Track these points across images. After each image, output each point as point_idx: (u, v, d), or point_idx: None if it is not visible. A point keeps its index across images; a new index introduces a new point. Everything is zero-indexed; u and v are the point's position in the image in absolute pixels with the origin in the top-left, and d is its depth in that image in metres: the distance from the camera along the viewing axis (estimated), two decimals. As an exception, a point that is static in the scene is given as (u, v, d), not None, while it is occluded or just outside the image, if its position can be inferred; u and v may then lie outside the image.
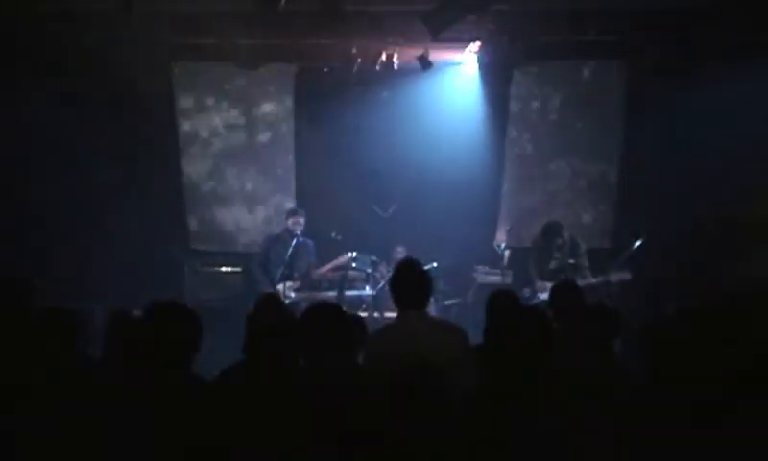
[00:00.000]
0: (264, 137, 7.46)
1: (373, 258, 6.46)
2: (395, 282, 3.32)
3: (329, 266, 6.38)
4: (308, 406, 2.42)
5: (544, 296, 6.04)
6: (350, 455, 2.24)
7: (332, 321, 2.76)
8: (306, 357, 2.76)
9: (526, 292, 6.18)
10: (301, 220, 6.40)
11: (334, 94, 7.02)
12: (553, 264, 6.17)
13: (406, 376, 2.38)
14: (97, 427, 2.34)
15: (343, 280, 6.24)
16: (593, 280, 5.89)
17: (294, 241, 6.36)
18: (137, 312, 3.15)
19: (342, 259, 6.29)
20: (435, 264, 5.96)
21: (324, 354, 2.69)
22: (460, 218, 6.92)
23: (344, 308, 3.11)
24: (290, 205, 7.09)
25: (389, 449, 2.17)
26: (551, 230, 6.22)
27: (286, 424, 2.39)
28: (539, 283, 6.14)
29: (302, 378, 2.69)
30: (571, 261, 6.09)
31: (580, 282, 5.70)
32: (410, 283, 3.27)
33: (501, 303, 3.55)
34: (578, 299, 3.89)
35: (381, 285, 6.20)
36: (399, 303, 3.25)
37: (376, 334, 3.38)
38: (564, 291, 4.01)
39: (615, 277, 5.86)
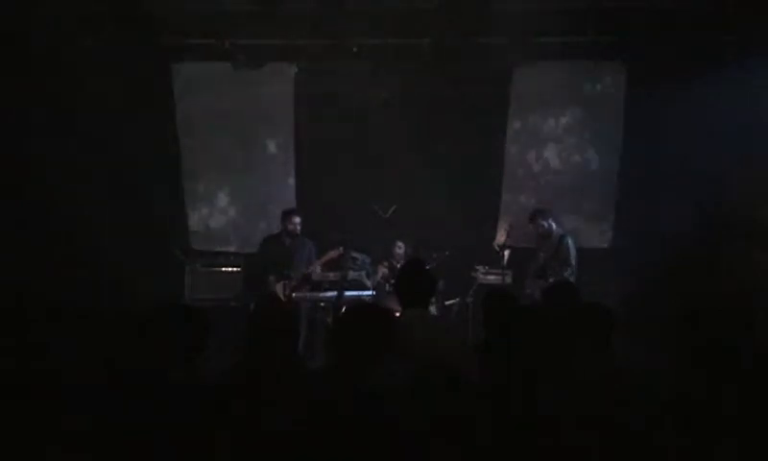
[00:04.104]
0: (264, 137, 7.45)
1: (371, 257, 6.47)
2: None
3: (322, 261, 6.36)
4: (308, 405, 2.42)
5: (533, 293, 6.07)
6: (351, 452, 2.24)
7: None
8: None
9: (526, 290, 6.21)
10: (299, 220, 6.40)
11: (334, 94, 7.02)
12: (541, 259, 6.19)
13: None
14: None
15: (343, 280, 6.24)
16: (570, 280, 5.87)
17: (292, 241, 6.37)
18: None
19: (333, 254, 6.29)
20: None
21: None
22: (460, 218, 6.92)
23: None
24: (290, 204, 7.09)
25: (388, 446, 2.17)
26: (534, 215, 6.27)
27: (286, 422, 2.39)
28: (528, 282, 6.19)
29: (302, 377, 2.69)
30: (555, 260, 6.11)
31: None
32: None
33: (498, 304, 3.56)
34: (574, 297, 3.89)
35: (378, 284, 6.21)
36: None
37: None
38: (561, 289, 4.02)
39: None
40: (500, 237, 6.87)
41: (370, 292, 6.20)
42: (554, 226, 6.28)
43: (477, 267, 6.70)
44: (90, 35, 6.25)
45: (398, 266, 6.26)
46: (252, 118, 7.40)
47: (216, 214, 7.61)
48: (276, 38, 6.69)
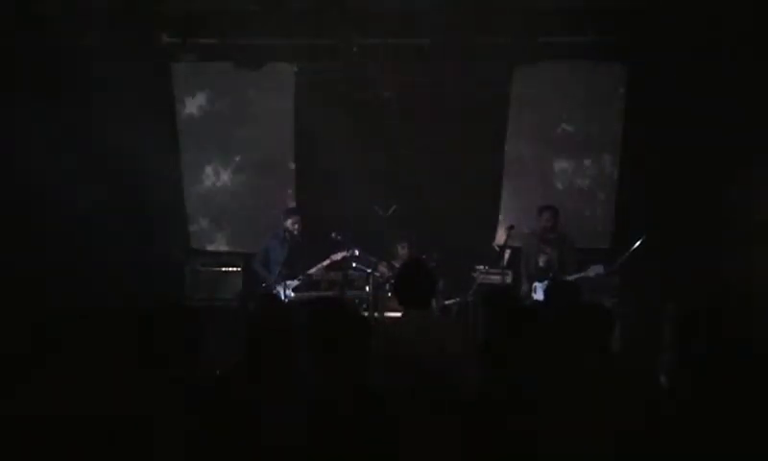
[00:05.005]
0: (264, 137, 7.44)
1: (373, 259, 6.46)
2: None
3: (325, 263, 6.36)
4: (308, 405, 2.43)
5: (536, 295, 6.06)
6: (351, 452, 2.24)
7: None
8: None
9: (524, 291, 6.20)
10: (299, 220, 6.40)
11: (334, 94, 7.02)
12: (541, 261, 6.17)
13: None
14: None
15: (343, 281, 6.23)
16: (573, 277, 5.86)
17: (292, 241, 6.36)
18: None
19: (337, 256, 6.29)
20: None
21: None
22: (460, 217, 6.92)
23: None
24: (290, 204, 7.09)
25: (388, 446, 2.17)
26: (545, 209, 6.24)
27: (286, 422, 2.39)
28: (527, 283, 6.18)
29: (302, 377, 2.69)
30: (559, 259, 6.10)
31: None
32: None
33: (498, 304, 3.56)
34: (575, 297, 3.89)
35: (378, 284, 6.21)
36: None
37: (379, 333, 3.38)
38: (561, 289, 4.02)
39: (592, 271, 5.84)
40: (500, 237, 6.87)
41: (370, 292, 6.20)
42: (559, 225, 6.27)
43: (477, 267, 6.70)
44: (90, 34, 6.25)
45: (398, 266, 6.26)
46: (253, 118, 7.39)
47: (216, 213, 7.60)
48: (276, 38, 6.69)
